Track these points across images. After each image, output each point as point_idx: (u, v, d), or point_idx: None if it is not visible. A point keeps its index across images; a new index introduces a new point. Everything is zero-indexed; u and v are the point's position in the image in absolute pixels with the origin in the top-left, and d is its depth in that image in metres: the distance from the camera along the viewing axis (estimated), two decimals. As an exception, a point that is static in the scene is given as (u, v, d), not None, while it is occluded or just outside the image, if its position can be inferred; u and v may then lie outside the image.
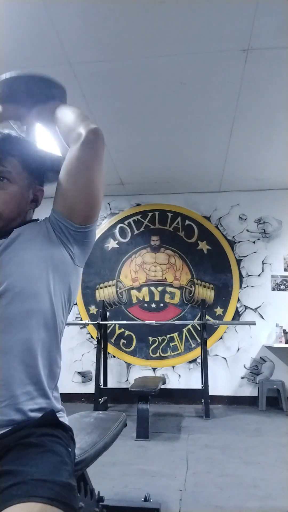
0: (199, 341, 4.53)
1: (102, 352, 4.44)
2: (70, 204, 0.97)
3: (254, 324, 4.34)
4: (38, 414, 0.90)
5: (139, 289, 4.91)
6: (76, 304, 4.85)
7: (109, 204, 5.10)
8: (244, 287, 4.77)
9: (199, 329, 4.52)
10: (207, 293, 4.80)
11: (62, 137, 1.03)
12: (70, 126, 0.99)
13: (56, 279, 0.96)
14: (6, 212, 0.97)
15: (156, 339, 4.76)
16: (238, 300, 4.75)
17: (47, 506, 0.70)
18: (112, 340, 4.81)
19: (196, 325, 4.67)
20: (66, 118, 1.02)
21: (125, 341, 4.81)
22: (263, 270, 4.79)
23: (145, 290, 4.90)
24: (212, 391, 4.16)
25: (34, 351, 0.91)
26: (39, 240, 0.97)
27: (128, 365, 4.76)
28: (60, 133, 1.03)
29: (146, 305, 4.87)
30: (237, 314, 4.72)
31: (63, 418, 0.98)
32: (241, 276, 4.80)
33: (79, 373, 4.73)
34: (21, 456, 0.80)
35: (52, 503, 0.71)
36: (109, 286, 4.94)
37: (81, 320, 4.78)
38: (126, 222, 5.08)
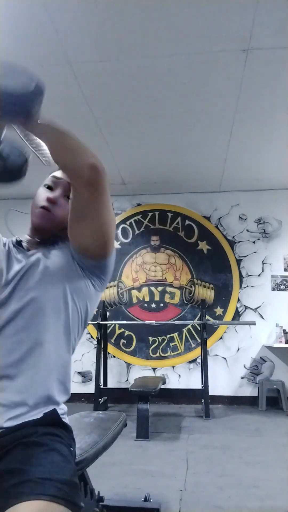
0: (199, 341, 4.53)
1: (102, 352, 4.44)
2: (84, 246, 1.03)
3: (254, 324, 4.34)
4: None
5: (139, 289, 4.91)
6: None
7: (112, 204, 5.09)
8: (244, 287, 4.77)
9: (199, 329, 4.52)
10: (207, 293, 4.80)
11: (55, 158, 0.97)
12: (68, 158, 0.93)
13: (75, 300, 1.03)
14: (63, 221, 1.05)
15: (156, 339, 4.76)
16: (238, 300, 4.75)
17: (53, 503, 0.72)
18: (112, 340, 4.81)
19: (196, 325, 4.67)
20: (60, 141, 0.92)
21: (125, 341, 4.81)
22: (263, 270, 4.79)
23: (145, 290, 4.90)
24: (212, 391, 4.16)
25: (49, 366, 0.95)
26: (64, 262, 1.04)
27: (128, 365, 4.76)
28: (53, 153, 0.94)
29: (146, 305, 4.87)
30: (237, 314, 4.72)
31: (65, 419, 0.99)
32: (241, 276, 4.80)
33: (79, 373, 4.73)
34: (25, 455, 0.81)
35: (57, 501, 0.72)
36: (111, 286, 4.94)
37: (81, 320, 4.77)
38: (127, 222, 5.08)
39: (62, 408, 0.98)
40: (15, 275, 1.00)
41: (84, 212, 0.98)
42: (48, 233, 1.09)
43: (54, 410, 0.93)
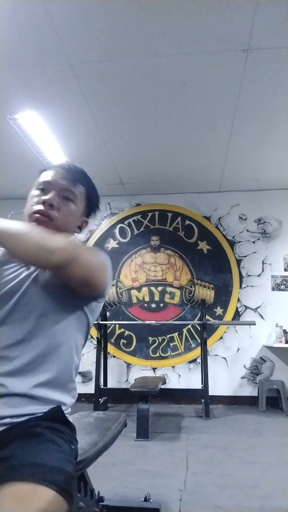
0: (199, 341, 4.53)
1: (102, 352, 4.44)
2: (76, 293, 1.03)
3: (254, 324, 4.34)
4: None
5: (139, 289, 4.91)
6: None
7: (109, 204, 5.11)
8: (244, 287, 4.77)
9: (199, 329, 4.52)
10: (207, 293, 4.79)
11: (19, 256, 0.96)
12: (32, 260, 0.94)
13: (77, 317, 1.04)
14: (62, 223, 1.06)
15: (156, 339, 4.76)
16: (238, 300, 4.75)
17: (40, 486, 0.73)
18: (112, 340, 4.81)
19: (196, 325, 4.67)
20: (16, 245, 0.90)
21: (125, 341, 4.81)
22: (263, 270, 4.78)
23: (145, 290, 4.90)
24: (212, 391, 4.16)
25: (55, 393, 0.96)
26: None
27: (128, 365, 4.76)
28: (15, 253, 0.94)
29: (146, 305, 4.87)
30: (237, 314, 4.72)
31: (69, 417, 1.01)
32: (241, 276, 4.80)
33: (79, 373, 4.73)
34: (21, 444, 0.83)
35: (46, 485, 0.73)
36: (109, 286, 4.93)
37: (81, 320, 4.77)
38: (126, 222, 5.08)
39: (66, 408, 1.00)
40: (14, 293, 0.98)
41: (70, 284, 0.99)
42: None
43: (59, 407, 0.95)
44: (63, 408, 0.97)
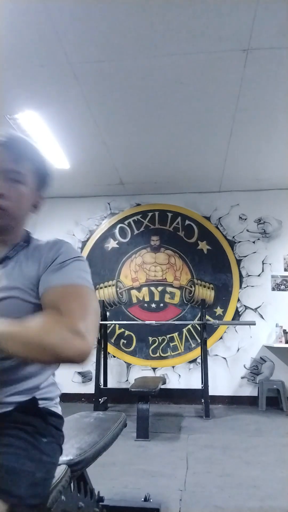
0: (199, 341, 4.53)
1: (102, 352, 4.44)
2: None
3: (254, 324, 4.34)
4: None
5: (139, 289, 4.91)
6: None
7: (109, 204, 5.11)
8: (244, 287, 4.77)
9: (199, 329, 4.52)
10: (207, 293, 4.80)
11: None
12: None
13: None
14: (15, 211, 0.97)
15: (156, 339, 4.76)
16: (238, 300, 4.75)
17: None
18: (112, 340, 4.81)
19: (196, 325, 4.67)
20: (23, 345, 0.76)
21: (125, 341, 4.81)
22: (263, 270, 4.79)
23: (145, 290, 4.90)
24: (212, 391, 4.16)
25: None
26: (29, 280, 0.95)
27: (128, 365, 4.76)
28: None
29: (146, 305, 4.87)
30: (237, 314, 4.72)
31: (55, 407, 0.99)
32: (241, 276, 4.80)
33: (79, 373, 4.73)
34: None
35: None
36: (109, 286, 4.94)
37: (81, 320, 4.77)
38: (126, 222, 5.08)
39: (48, 398, 0.97)
40: None
41: None
42: (3, 231, 0.99)
43: (33, 399, 0.92)
44: (47, 402, 0.96)
